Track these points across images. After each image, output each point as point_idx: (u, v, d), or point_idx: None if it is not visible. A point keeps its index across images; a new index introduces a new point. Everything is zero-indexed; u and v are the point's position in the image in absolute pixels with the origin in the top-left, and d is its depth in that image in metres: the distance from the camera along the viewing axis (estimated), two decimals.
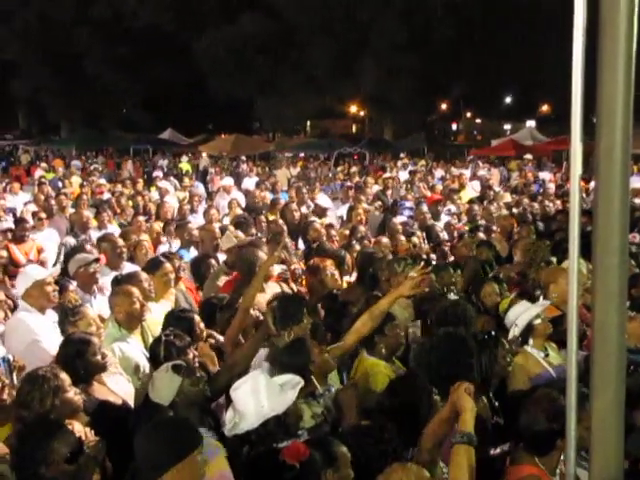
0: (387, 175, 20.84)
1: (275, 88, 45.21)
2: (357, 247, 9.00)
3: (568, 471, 2.36)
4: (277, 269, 7.95)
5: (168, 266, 7.15)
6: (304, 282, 7.96)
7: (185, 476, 3.43)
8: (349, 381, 4.91)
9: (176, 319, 5.75)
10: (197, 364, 4.96)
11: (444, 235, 10.70)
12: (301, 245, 9.95)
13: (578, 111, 2.17)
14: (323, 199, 13.51)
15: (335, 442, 3.69)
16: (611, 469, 2.26)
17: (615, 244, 2.08)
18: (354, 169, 25.85)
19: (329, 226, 10.37)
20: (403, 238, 9.61)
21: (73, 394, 4.28)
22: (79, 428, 3.93)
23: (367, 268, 7.65)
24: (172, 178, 21.42)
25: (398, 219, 11.28)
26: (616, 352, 2.14)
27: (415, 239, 9.41)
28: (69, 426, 3.84)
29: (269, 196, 15.43)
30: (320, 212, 12.38)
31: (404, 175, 22.27)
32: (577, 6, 2.11)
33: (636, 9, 2.00)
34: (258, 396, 3.93)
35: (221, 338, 5.93)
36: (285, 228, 9.85)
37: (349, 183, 18.91)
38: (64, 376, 4.29)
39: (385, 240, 9.30)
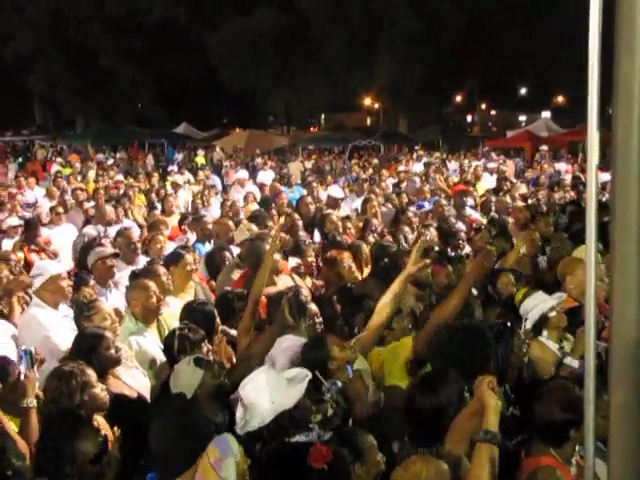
0: (401, 169, 20.80)
1: (289, 81, 45.20)
2: (371, 239, 9.01)
3: (587, 464, 2.35)
4: (291, 262, 7.98)
5: (188, 258, 7.16)
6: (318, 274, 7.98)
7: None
8: (356, 372, 4.89)
9: (194, 311, 5.77)
10: (211, 358, 4.97)
11: (460, 226, 10.66)
12: (317, 238, 9.94)
13: (595, 101, 2.15)
14: (335, 190, 13.47)
15: (359, 433, 3.68)
16: (630, 460, 2.25)
17: (633, 233, 2.07)
18: (375, 161, 25.81)
19: (346, 218, 10.36)
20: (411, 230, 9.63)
21: (100, 390, 4.31)
22: (104, 425, 3.96)
23: (381, 260, 7.64)
24: (187, 172, 21.46)
25: (412, 211, 11.27)
26: (634, 343, 2.13)
27: (432, 230, 9.35)
28: (95, 423, 3.85)
29: (284, 190, 15.44)
30: (332, 203, 12.36)
31: (419, 167, 22.22)
32: None
33: None
34: (267, 392, 3.92)
35: (234, 332, 5.96)
36: (300, 222, 9.87)
37: (364, 175, 18.89)
38: (91, 372, 4.32)
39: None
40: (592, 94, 2.16)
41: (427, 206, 12.58)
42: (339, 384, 4.48)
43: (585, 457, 2.39)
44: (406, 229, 9.74)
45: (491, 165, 20.37)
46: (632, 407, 2.17)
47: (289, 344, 5.15)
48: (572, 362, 5.36)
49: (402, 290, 5.43)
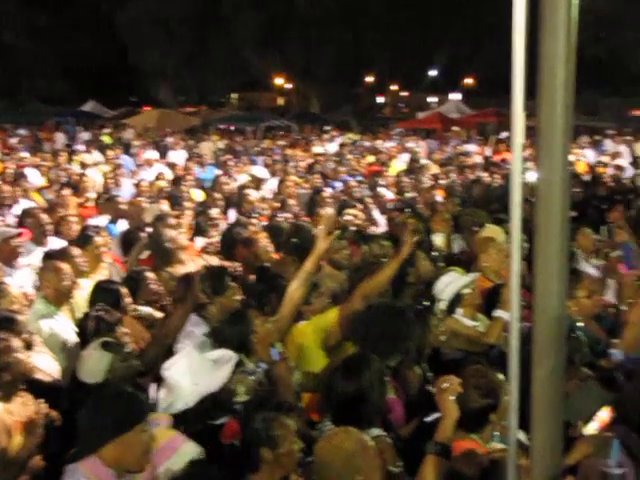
0: (317, 151, 20.79)
1: (200, 60, 44.60)
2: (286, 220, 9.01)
3: (510, 440, 2.39)
4: (200, 242, 7.99)
5: (98, 239, 7.05)
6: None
7: (129, 450, 3.38)
8: (282, 354, 4.88)
9: (102, 291, 5.73)
10: (126, 339, 4.89)
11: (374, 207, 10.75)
12: (232, 217, 9.87)
13: (519, 81, 2.16)
14: (259, 170, 13.42)
15: (276, 417, 3.67)
16: (552, 435, 2.30)
17: (557, 213, 2.11)
18: (283, 142, 25.71)
19: (261, 199, 10.36)
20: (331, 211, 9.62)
21: (25, 356, 4.21)
22: (32, 401, 3.87)
23: (297, 240, 7.63)
24: (95, 151, 20.91)
25: (328, 192, 11.29)
26: (557, 319, 2.17)
27: (353, 211, 9.39)
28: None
29: (197, 170, 15.27)
30: (256, 183, 12.34)
31: (333, 147, 22.26)
32: None
33: None
34: (192, 374, 3.88)
35: (147, 309, 5.90)
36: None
37: (277, 156, 18.81)
38: (15, 340, 4.23)
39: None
40: (516, 75, 2.17)
41: (338, 186, 12.65)
42: (264, 366, 4.46)
43: (508, 433, 2.43)
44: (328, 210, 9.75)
45: (410, 145, 20.60)
46: (555, 381, 2.22)
47: None
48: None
49: (314, 269, 5.38)
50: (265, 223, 8.68)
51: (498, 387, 3.88)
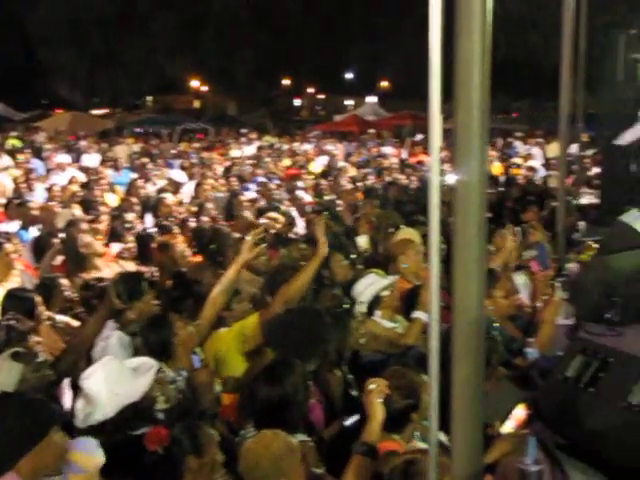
0: (236, 154, 20.67)
1: (113, 61, 43.84)
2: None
3: (431, 440, 2.41)
4: (115, 248, 7.88)
5: (8, 247, 6.85)
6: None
7: (45, 458, 3.28)
8: (204, 361, 4.83)
9: (14, 299, 5.57)
10: (39, 348, 4.75)
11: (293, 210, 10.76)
12: (149, 222, 9.74)
13: (436, 85, 2.18)
14: (176, 174, 13.28)
15: (202, 426, 3.61)
16: (472, 435, 2.33)
17: (474, 214, 2.13)
18: (198, 145, 25.46)
19: (178, 203, 10.26)
20: (250, 215, 9.60)
21: None
22: None
23: (215, 245, 7.59)
24: (4, 155, 20.30)
25: (247, 196, 11.26)
26: (476, 321, 2.20)
27: (275, 215, 9.36)
28: None
29: (111, 174, 15.01)
30: (174, 187, 12.21)
31: (250, 150, 22.17)
32: None
33: None
34: (111, 383, 3.79)
35: (62, 318, 5.76)
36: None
37: (194, 159, 18.63)
38: None
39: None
40: (433, 78, 2.18)
41: (251, 188, 12.63)
42: (185, 374, 4.39)
43: (429, 434, 2.45)
44: (247, 214, 9.71)
45: (329, 147, 20.67)
46: (474, 382, 2.24)
47: None
48: None
49: (236, 277, 5.36)
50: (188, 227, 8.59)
51: (418, 387, 3.93)
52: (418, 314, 5.49)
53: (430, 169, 2.20)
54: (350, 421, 4.21)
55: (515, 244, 7.55)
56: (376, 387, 3.74)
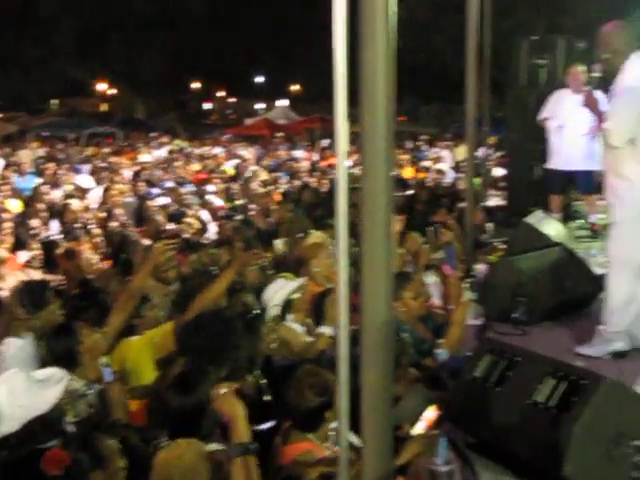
0: (143, 158, 20.37)
1: (14, 64, 42.56)
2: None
3: (341, 442, 2.40)
4: (24, 255, 7.68)
5: None
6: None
7: None
8: (115, 374, 4.71)
9: None
10: None
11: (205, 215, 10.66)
12: (55, 228, 9.50)
13: (342, 90, 2.17)
14: (84, 179, 12.99)
15: (101, 438, 3.51)
16: (382, 437, 2.33)
17: (381, 217, 2.13)
18: (107, 149, 25.00)
19: (86, 209, 10.04)
20: (162, 219, 9.47)
21: None
22: None
23: (122, 251, 7.48)
24: None
25: (158, 202, 11.10)
26: (385, 325, 2.20)
27: (189, 220, 9.25)
28: None
29: (16, 179, 14.59)
30: (81, 192, 11.95)
31: (160, 154, 21.89)
32: None
33: None
34: (17, 396, 3.66)
35: None
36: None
37: (102, 164, 18.26)
38: None
39: None
40: (338, 84, 2.17)
41: (158, 193, 12.47)
42: (96, 387, 4.29)
43: (339, 437, 2.44)
44: (158, 219, 9.58)
45: (239, 152, 20.58)
46: (384, 384, 2.25)
47: None
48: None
49: (144, 283, 5.29)
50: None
51: (332, 385, 3.90)
52: (323, 329, 5.45)
53: (337, 174, 2.19)
54: (264, 427, 4.19)
55: (423, 245, 7.65)
56: (226, 389, 3.70)
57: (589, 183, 8.91)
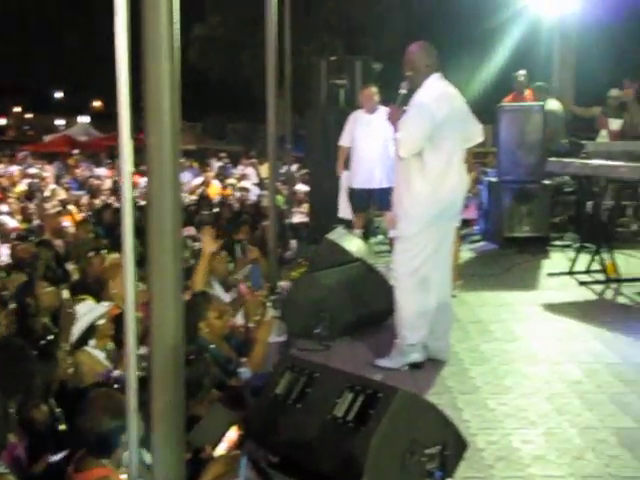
0: None
1: None
2: None
3: (131, 467, 2.33)
4: None
5: None
6: None
7: None
8: None
9: None
10: None
11: None
12: None
13: (125, 110, 2.11)
14: None
15: None
16: (173, 463, 2.28)
17: (168, 242, 2.08)
18: None
19: None
20: None
21: None
22: None
23: None
24: None
25: None
26: (174, 348, 2.15)
27: None
28: None
29: None
30: None
31: None
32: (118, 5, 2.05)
33: (175, 4, 2.01)
34: None
35: None
36: None
37: None
38: None
39: None
40: (122, 101, 2.12)
41: None
42: None
43: (129, 462, 2.36)
44: None
45: (32, 170, 19.68)
46: (175, 412, 2.19)
47: None
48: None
49: None
50: None
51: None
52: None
53: (122, 194, 2.13)
54: (57, 457, 4.00)
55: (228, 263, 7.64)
56: None
57: (387, 199, 9.23)
